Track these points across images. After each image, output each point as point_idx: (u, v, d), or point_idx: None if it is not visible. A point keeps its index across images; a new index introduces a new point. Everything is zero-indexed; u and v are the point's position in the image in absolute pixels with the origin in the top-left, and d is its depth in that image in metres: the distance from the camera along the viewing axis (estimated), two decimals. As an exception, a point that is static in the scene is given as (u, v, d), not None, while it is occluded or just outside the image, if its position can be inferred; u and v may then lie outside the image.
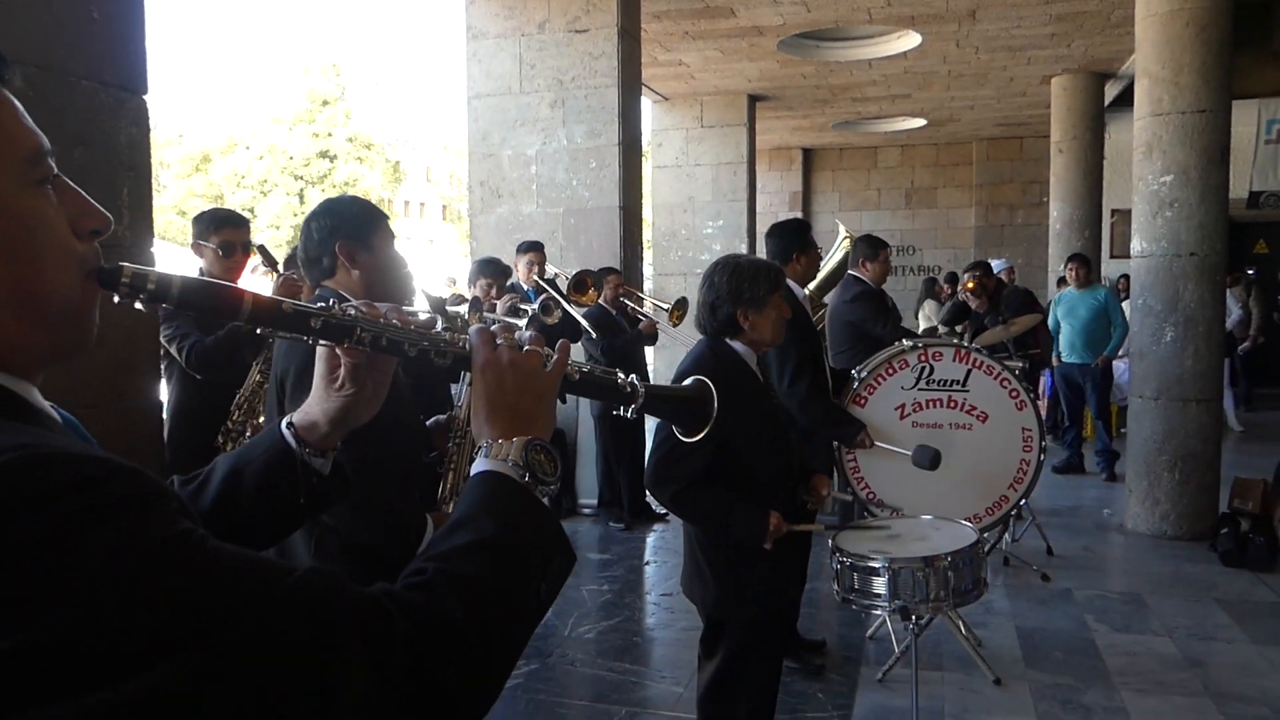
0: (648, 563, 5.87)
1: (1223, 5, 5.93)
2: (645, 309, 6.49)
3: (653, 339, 6.42)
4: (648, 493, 2.84)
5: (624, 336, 6.19)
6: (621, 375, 1.16)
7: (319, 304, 1.03)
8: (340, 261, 2.28)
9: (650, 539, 6.40)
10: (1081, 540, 6.15)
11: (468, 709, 0.81)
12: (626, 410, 1.17)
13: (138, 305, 0.93)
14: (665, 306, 6.56)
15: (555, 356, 1.09)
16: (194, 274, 3.98)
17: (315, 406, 1.14)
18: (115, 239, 2.75)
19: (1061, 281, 9.73)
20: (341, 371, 1.12)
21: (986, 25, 8.93)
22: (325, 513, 1.30)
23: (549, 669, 4.14)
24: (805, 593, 4.20)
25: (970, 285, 7.45)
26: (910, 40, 9.45)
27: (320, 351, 1.13)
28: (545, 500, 1.00)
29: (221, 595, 0.70)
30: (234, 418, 3.43)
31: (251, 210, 31.96)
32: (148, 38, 2.97)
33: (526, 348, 1.07)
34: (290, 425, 1.15)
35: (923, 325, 11.50)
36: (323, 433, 1.14)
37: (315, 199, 32.76)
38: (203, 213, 3.84)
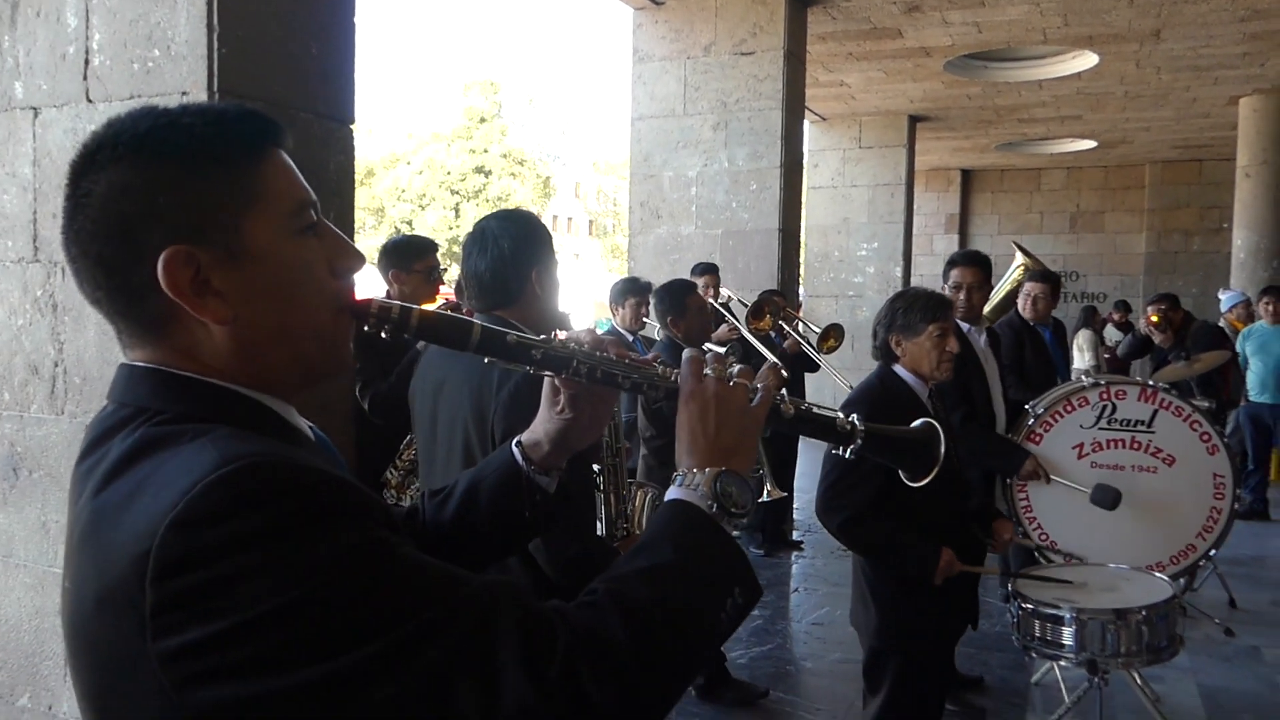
0: (795, 589, 5.80)
1: None
2: (803, 334, 6.38)
3: (811, 365, 6.31)
4: (817, 518, 2.82)
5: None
6: (841, 415, 1.15)
7: (541, 336, 1.09)
8: (531, 289, 2.10)
9: (797, 566, 6.33)
10: (1268, 593, 5.72)
11: None
12: (845, 451, 1.15)
13: (383, 335, 1.03)
14: (816, 330, 6.43)
15: (761, 393, 1.08)
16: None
17: (539, 427, 1.22)
18: (323, 261, 2.95)
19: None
20: (562, 398, 1.19)
21: (1172, 44, 8.47)
22: (551, 530, 1.36)
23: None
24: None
25: (1154, 319, 6.99)
26: (1086, 60, 9.05)
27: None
28: (734, 532, 1.00)
29: (403, 596, 0.79)
30: (403, 455, 3.49)
31: (409, 224, 33.40)
32: (355, 71, 3.15)
33: (734, 381, 1.07)
34: (519, 444, 1.23)
35: (1075, 358, 10.72)
36: (545, 452, 1.22)
37: (470, 213, 33.97)
38: (397, 243, 3.97)
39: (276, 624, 0.74)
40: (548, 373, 1.11)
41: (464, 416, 2.02)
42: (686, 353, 1.10)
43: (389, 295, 3.84)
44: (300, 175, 0.98)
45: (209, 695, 0.75)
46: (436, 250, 4.00)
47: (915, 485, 1.19)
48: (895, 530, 2.66)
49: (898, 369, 2.84)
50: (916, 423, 1.20)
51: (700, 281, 5.97)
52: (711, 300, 5.95)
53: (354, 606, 0.77)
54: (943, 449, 1.17)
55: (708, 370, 1.07)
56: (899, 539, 2.66)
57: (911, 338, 2.79)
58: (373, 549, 0.80)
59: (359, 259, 1.01)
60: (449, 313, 1.09)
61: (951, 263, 4.27)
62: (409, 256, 3.86)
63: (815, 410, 1.15)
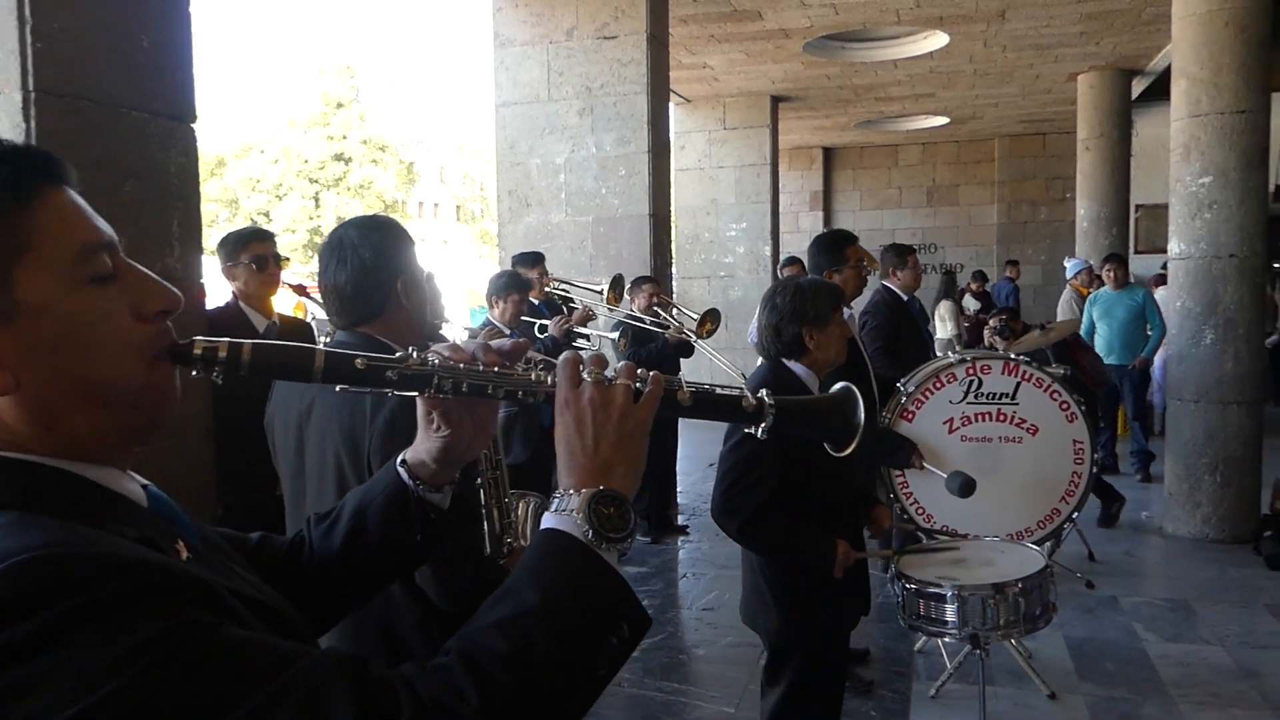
0: (684, 575, 5.83)
1: (1263, 4, 5.84)
2: (677, 320, 6.38)
3: (687, 350, 6.32)
4: (714, 521, 2.78)
5: (651, 345, 6.09)
6: (748, 393, 1.04)
7: (397, 354, 0.98)
8: (397, 300, 1.92)
9: (684, 551, 6.36)
10: (1121, 544, 6.08)
11: None
12: (756, 430, 1.04)
13: (215, 379, 0.92)
14: (694, 316, 6.46)
15: (648, 388, 0.98)
16: (226, 300, 3.78)
17: (420, 446, 1.13)
18: (167, 271, 2.73)
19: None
20: (436, 414, 1.09)
21: (1016, 24, 8.86)
22: (447, 547, 1.25)
23: (595, 688, 4.10)
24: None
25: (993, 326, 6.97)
26: (937, 40, 9.38)
27: None
28: (619, 557, 0.91)
29: (219, 686, 0.71)
30: None
31: (266, 215, 32.07)
32: (195, 64, 2.94)
33: (615, 380, 0.97)
34: (404, 462, 1.14)
35: (938, 328, 10.98)
36: (431, 470, 1.13)
37: (331, 202, 32.83)
38: (225, 237, 3.82)
39: None
40: (410, 393, 1.00)
41: (335, 445, 1.84)
42: (563, 355, 0.99)
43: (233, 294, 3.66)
44: (91, 215, 0.86)
45: None
46: (266, 238, 3.80)
47: (839, 455, 1.08)
48: (793, 530, 2.66)
49: (789, 364, 2.81)
50: (835, 387, 1.10)
51: (534, 272, 5.88)
52: (548, 287, 5.91)
53: (161, 706, 0.68)
54: (861, 414, 1.07)
55: (585, 374, 0.97)
56: (797, 538, 2.66)
57: (823, 328, 2.75)
58: (181, 637, 0.71)
59: (170, 299, 0.89)
60: (285, 342, 0.97)
61: (847, 240, 4.25)
62: (233, 249, 3.67)
63: (717, 391, 1.04)
